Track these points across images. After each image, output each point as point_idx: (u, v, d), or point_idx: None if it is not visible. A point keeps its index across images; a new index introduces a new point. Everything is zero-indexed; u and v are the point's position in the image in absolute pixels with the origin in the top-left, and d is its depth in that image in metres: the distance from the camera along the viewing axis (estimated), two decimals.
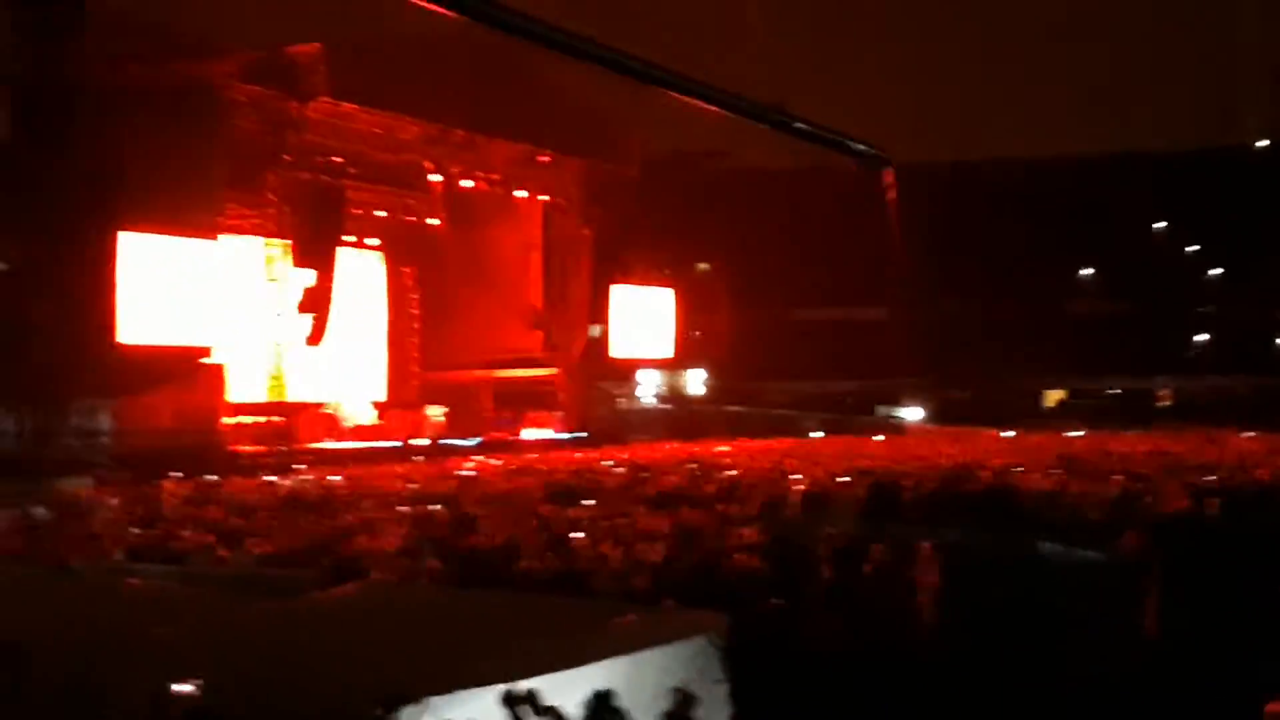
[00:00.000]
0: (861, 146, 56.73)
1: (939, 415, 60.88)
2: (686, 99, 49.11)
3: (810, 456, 32.57)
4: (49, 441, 31.80)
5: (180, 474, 27.57)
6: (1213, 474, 24.14)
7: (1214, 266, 73.19)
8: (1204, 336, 71.35)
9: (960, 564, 15.10)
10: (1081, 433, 46.89)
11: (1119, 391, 67.66)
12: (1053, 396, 69.04)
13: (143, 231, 34.36)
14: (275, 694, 7.20)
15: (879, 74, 71.54)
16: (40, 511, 21.30)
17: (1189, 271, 72.51)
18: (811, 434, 47.59)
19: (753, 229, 64.66)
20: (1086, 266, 73.42)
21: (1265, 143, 78.28)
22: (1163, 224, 73.89)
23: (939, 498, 21.64)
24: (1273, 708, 7.44)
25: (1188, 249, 73.47)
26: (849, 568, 14.97)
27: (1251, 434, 39.74)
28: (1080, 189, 68.11)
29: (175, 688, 6.37)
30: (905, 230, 58.00)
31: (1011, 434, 45.67)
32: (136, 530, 19.15)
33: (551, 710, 8.73)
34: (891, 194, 57.30)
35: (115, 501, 23.90)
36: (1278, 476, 24.35)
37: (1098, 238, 70.00)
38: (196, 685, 6.43)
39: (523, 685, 8.45)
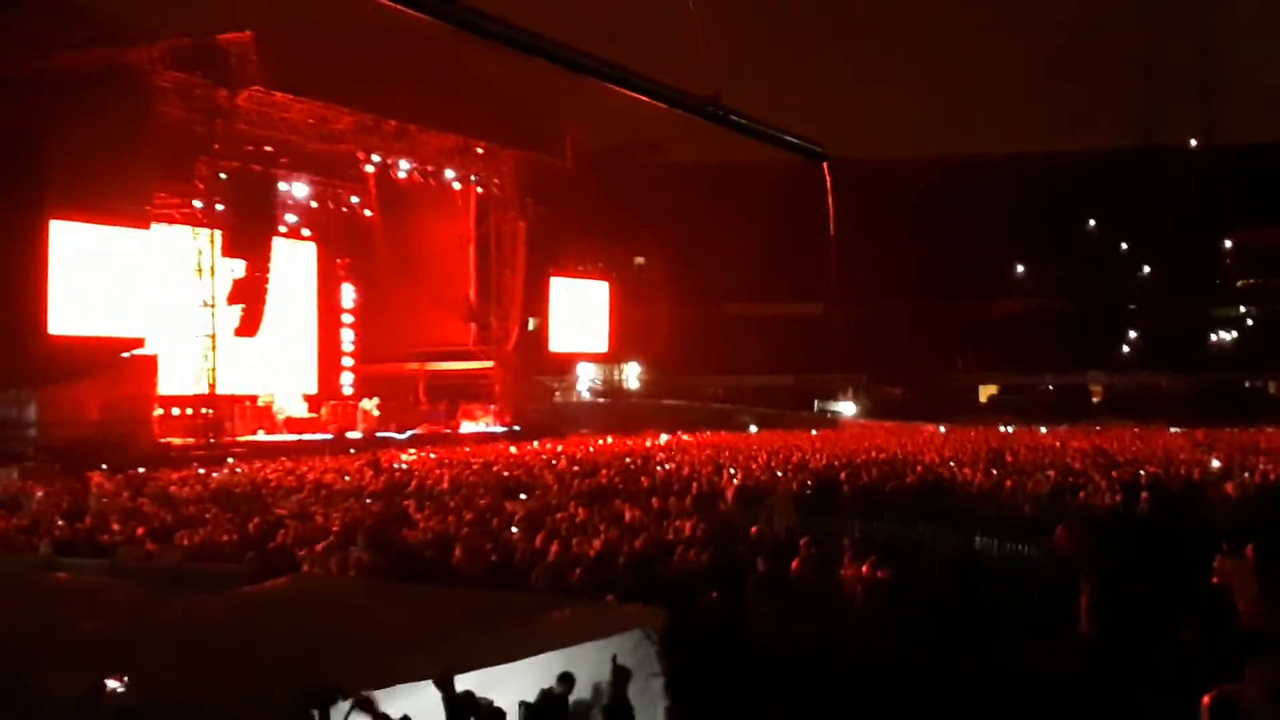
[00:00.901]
0: (798, 140, 56.83)
1: (875, 410, 61.27)
2: (622, 91, 48.97)
3: (747, 451, 32.65)
4: None
5: (109, 466, 27.19)
6: (1142, 468, 24.45)
7: (1144, 264, 74.21)
8: (1134, 334, 72.33)
9: (896, 558, 15.15)
10: (1013, 428, 47.41)
11: (1051, 387, 68.42)
12: (986, 392, 69.74)
13: (71, 220, 33.84)
14: (206, 690, 7.04)
15: (815, 71, 71.80)
16: None
17: (1120, 269, 73.47)
18: (749, 428, 47.70)
19: (689, 223, 64.78)
20: (1020, 264, 74.19)
21: (1195, 143, 79.52)
22: (1094, 222, 74.84)
23: (874, 493, 21.74)
24: (1208, 700, 7.49)
25: (1120, 247, 74.46)
26: (786, 562, 14.97)
27: (1179, 430, 40.34)
28: (1014, 187, 68.85)
29: (105, 683, 6.21)
30: (841, 226, 58.25)
31: (945, 429, 46.06)
32: (64, 522, 18.83)
33: (492, 707, 8.66)
34: (828, 187, 57.51)
35: (42, 493, 23.52)
36: (1205, 471, 24.72)
37: (1031, 236, 70.75)
38: (124, 682, 6.28)
39: (460, 681, 8.37)
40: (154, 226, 36.53)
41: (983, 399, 69.26)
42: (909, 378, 66.16)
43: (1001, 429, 46.17)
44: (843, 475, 24.33)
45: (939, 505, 20.40)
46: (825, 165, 47.11)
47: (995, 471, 24.32)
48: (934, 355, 67.20)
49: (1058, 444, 33.38)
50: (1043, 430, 43.09)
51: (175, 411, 39.02)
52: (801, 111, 56.12)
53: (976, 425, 49.22)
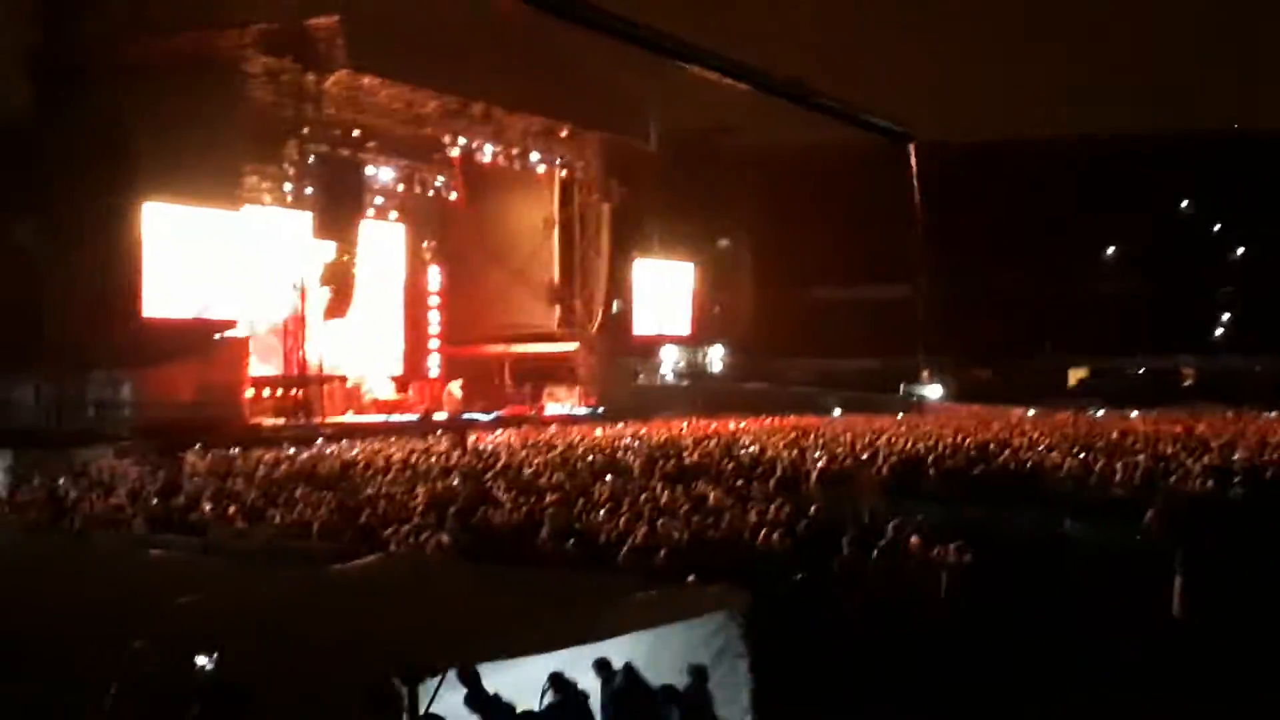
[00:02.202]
0: (882, 122, 56.38)
1: (961, 393, 60.60)
2: (706, 74, 48.84)
3: (831, 434, 32.47)
4: (72, 413, 31.88)
5: (201, 446, 27.64)
6: (1236, 454, 23.98)
7: (1238, 246, 72.70)
8: (1227, 317, 70.91)
9: (984, 543, 15.00)
10: (1103, 412, 46.71)
11: (1142, 371, 67.24)
12: (1075, 375, 68.68)
13: (164, 201, 34.43)
14: (295, 666, 7.15)
15: (900, 52, 70.99)
16: (64, 482, 21.41)
17: (1213, 251, 72.04)
18: (833, 411, 47.43)
19: (773, 206, 64.38)
20: (1111, 245, 72.98)
21: None
22: (1187, 203, 73.45)
23: (961, 476, 21.54)
24: None
25: (1213, 228, 73.01)
26: (870, 545, 14.88)
27: (1274, 414, 39.50)
28: (1106, 168, 67.68)
29: (196, 659, 6.33)
30: (929, 209, 57.70)
31: (1033, 412, 45.47)
32: (157, 501, 19.20)
33: (574, 687, 8.72)
34: (913, 169, 56.96)
35: (137, 472, 23.99)
36: None
37: (1122, 217, 69.57)
38: (214, 658, 6.39)
39: (544, 660, 8.43)
40: (244, 209, 37.03)
41: (1071, 382, 68.22)
42: (996, 361, 65.38)
43: (1090, 412, 45.49)
44: (928, 459, 24.14)
45: (1027, 489, 20.19)
46: (911, 146, 46.38)
47: (1084, 455, 23.97)
48: (1021, 338, 66.37)
49: (1148, 428, 32.79)
50: (1133, 414, 42.36)
51: (266, 393, 39.58)
52: (886, 93, 55.59)
53: (1065, 409, 48.54)
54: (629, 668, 8.89)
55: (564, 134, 47.56)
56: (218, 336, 37.09)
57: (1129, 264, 71.47)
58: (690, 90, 51.43)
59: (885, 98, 55.68)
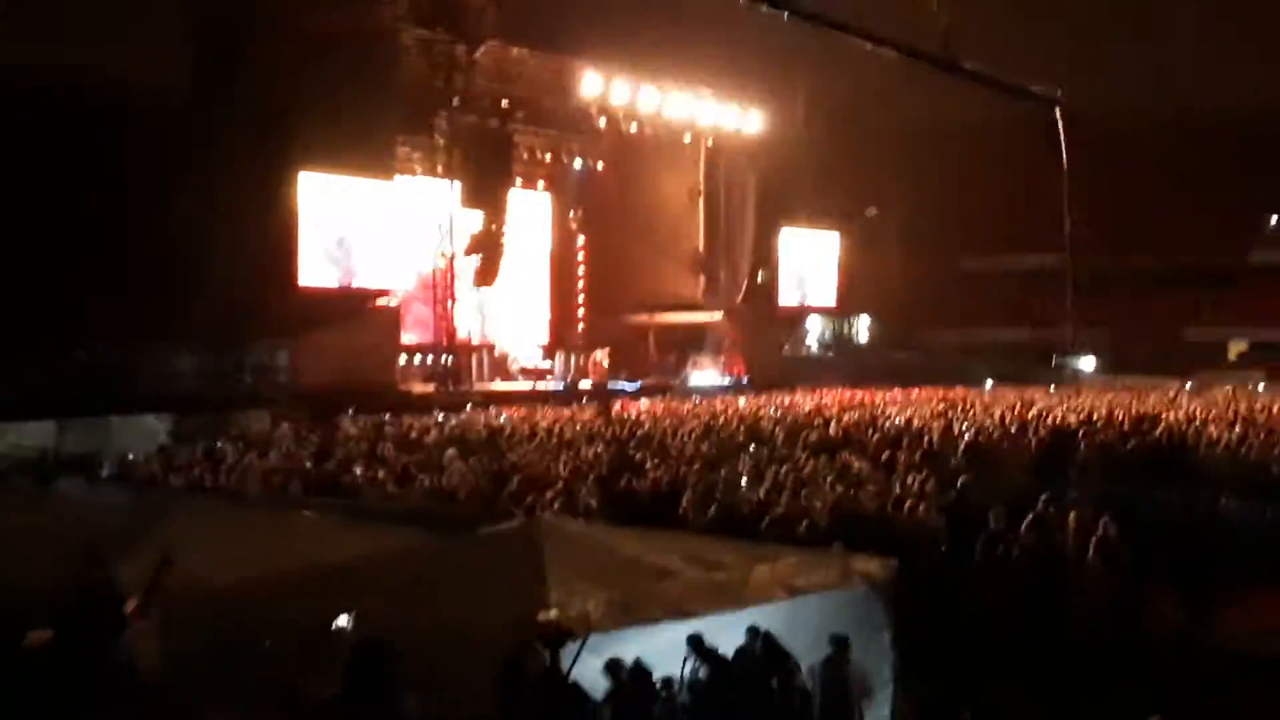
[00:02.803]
0: (1032, 86, 55.05)
1: (1116, 366, 59.08)
2: (855, 41, 48.22)
3: (981, 406, 31.98)
4: (230, 379, 32.78)
5: (353, 412, 28.23)
6: None
7: None
8: None
9: (1135, 520, 14.66)
10: (1264, 385, 45.23)
11: None
12: (1235, 349, 66.43)
13: (319, 171, 35.19)
14: (442, 625, 7.28)
15: (1052, 22, 68.88)
16: (222, 445, 22.07)
17: None
18: (983, 383, 46.64)
19: (922, 175, 63.35)
20: (1273, 214, 70.38)
21: None
22: None
23: (1114, 451, 21.05)
24: None
25: None
26: (1018, 519, 14.63)
27: None
28: (1264, 135, 65.15)
29: (340, 618, 6.48)
30: (1081, 178, 56.27)
31: (1191, 385, 44.21)
32: (311, 464, 19.68)
33: (715, 652, 8.74)
34: (1060, 135, 55.49)
35: (292, 436, 24.62)
36: None
37: None
38: (353, 616, 6.53)
39: (687, 625, 8.46)
40: (396, 179, 37.68)
41: (1231, 356, 65.99)
42: (1153, 333, 63.58)
43: (1250, 386, 44.08)
44: (1080, 432, 23.63)
45: (1182, 465, 19.67)
46: (1059, 111, 45.12)
47: (1242, 431, 23.23)
48: (1179, 310, 64.46)
49: None
50: None
51: (416, 360, 40.30)
52: (1037, 64, 54.06)
53: (1225, 382, 47.10)
54: (768, 635, 8.89)
55: (712, 104, 47.35)
56: (371, 305, 37.81)
57: None
58: (838, 59, 50.76)
59: (1037, 69, 53.93)
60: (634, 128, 45.77)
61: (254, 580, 8.44)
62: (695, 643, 8.56)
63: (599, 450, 21.27)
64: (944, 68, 50.73)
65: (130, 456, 21.09)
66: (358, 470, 18.52)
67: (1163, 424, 24.99)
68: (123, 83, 31.58)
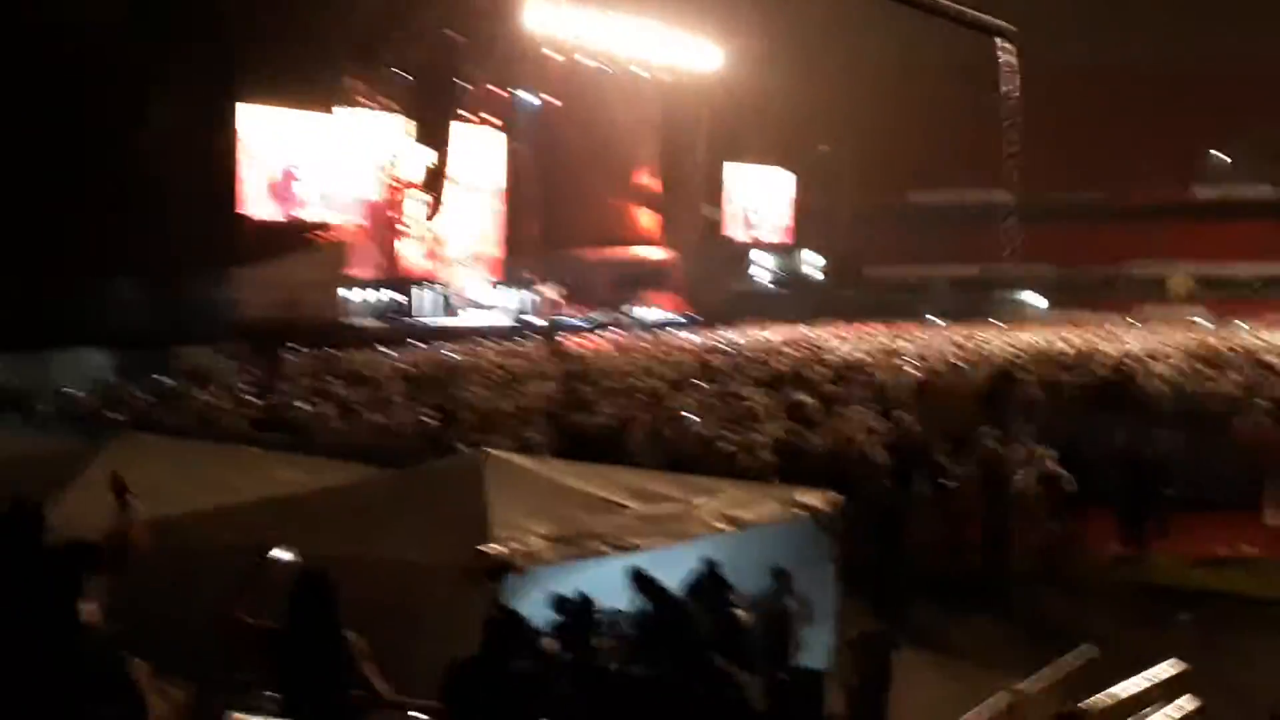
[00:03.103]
0: (983, 17, 54.98)
1: (1063, 301, 59.55)
2: None
3: (927, 343, 32.21)
4: (172, 314, 32.42)
5: (299, 346, 28.03)
6: None
7: None
8: None
9: (1076, 454, 14.88)
10: (1202, 319, 45.87)
11: (1255, 279, 65.15)
12: (1179, 284, 66.92)
13: (259, 104, 34.75)
14: (385, 561, 7.30)
15: None
16: (165, 383, 21.86)
17: None
18: (931, 319, 46.96)
19: (873, 112, 63.20)
20: (1216, 149, 70.67)
21: None
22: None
23: (1058, 386, 21.27)
24: None
25: None
26: (963, 455, 14.82)
27: None
28: (1210, 73, 65.33)
29: (278, 552, 6.46)
30: (1032, 115, 56.38)
31: (1137, 321, 44.75)
32: (257, 400, 19.56)
33: (657, 585, 8.79)
34: (1012, 68, 55.53)
35: (236, 372, 24.45)
36: None
37: (1227, 124, 67.36)
38: (291, 549, 6.51)
39: (629, 560, 8.50)
40: (341, 112, 37.24)
41: (1175, 290, 66.52)
42: (1097, 267, 64.01)
43: (1193, 319, 44.69)
44: (1024, 367, 23.87)
45: (1124, 398, 19.92)
46: (1006, 44, 44.99)
47: (1183, 364, 23.55)
48: (1124, 244, 64.87)
49: (1251, 338, 32.08)
50: (1237, 323, 41.48)
51: (362, 295, 40.01)
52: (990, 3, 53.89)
53: (1168, 316, 47.67)
54: (711, 565, 8.95)
55: (663, 39, 47.01)
56: (316, 238, 37.48)
57: (1237, 168, 69.35)
58: None
59: (988, 5, 53.83)
60: (586, 61, 45.38)
61: (197, 514, 8.41)
62: (635, 575, 8.61)
63: (548, 387, 21.27)
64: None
65: (68, 392, 20.85)
66: (301, 405, 18.41)
67: (1106, 358, 25.28)
68: (57, 11, 30.92)
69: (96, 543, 6.48)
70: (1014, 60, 55.45)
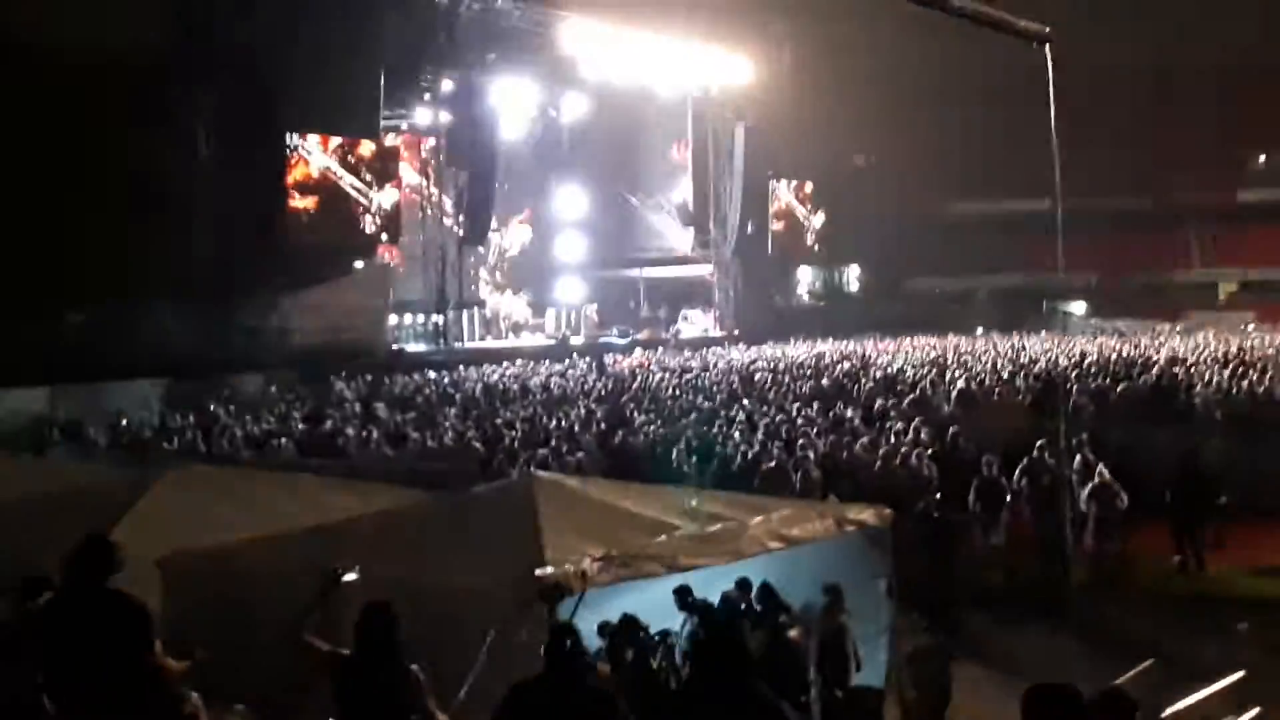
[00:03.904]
0: (1020, 24, 54.80)
1: (1107, 309, 59.11)
2: None
3: (972, 353, 32.07)
4: (223, 341, 32.65)
5: (346, 372, 28.22)
6: None
7: None
8: None
9: (1128, 465, 14.76)
10: (1254, 326, 45.39)
11: None
12: (1225, 289, 66.33)
13: (306, 133, 35.07)
14: (439, 588, 7.31)
15: None
16: (215, 408, 22.08)
17: None
18: (974, 330, 46.73)
19: (910, 121, 62.99)
20: (1261, 154, 70.09)
21: None
22: None
23: (1106, 396, 21.12)
24: None
25: None
26: (1012, 465, 14.73)
27: None
28: (1252, 78, 64.76)
29: (350, 576, 6.50)
30: (1073, 121, 56.09)
31: (1181, 327, 44.37)
32: (304, 425, 19.71)
33: (704, 604, 8.80)
34: (1049, 76, 55.33)
35: (285, 397, 24.64)
36: None
37: (1273, 124, 66.74)
38: (356, 571, 6.55)
39: (682, 580, 8.49)
40: (386, 138, 37.55)
41: (1221, 296, 65.96)
42: (1143, 275, 63.52)
43: (1242, 327, 44.22)
44: (1072, 375, 23.72)
45: (1173, 407, 19.76)
46: (1048, 51, 44.94)
47: (1232, 371, 23.34)
48: (1169, 251, 64.37)
49: None
50: None
51: (408, 318, 40.20)
52: (1026, 6, 53.60)
53: (1215, 323, 47.23)
54: (765, 586, 8.95)
55: (698, 55, 47.04)
56: (359, 263, 37.69)
57: (1274, 173, 68.65)
58: (822, 6, 50.44)
59: (1024, 8, 53.45)
60: (621, 79, 45.48)
61: (254, 543, 8.47)
62: (681, 594, 8.62)
63: (592, 406, 21.33)
64: (926, 4, 50.36)
65: (124, 423, 21.08)
66: (350, 431, 18.54)
67: (1154, 367, 25.10)
68: (111, 46, 31.30)
69: None
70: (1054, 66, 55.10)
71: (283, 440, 18.28)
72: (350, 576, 6.55)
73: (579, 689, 5.80)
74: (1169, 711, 7.41)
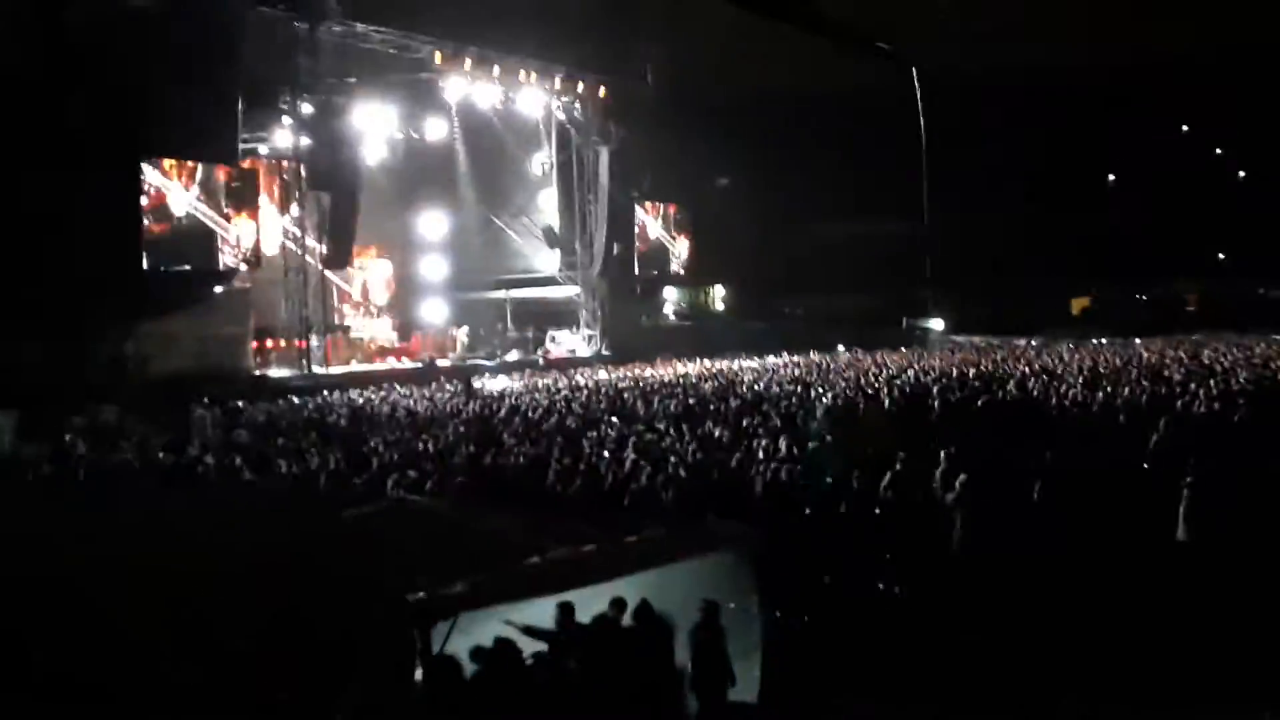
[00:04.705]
0: (885, 46, 55.92)
1: (965, 326, 60.52)
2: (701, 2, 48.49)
3: (836, 370, 32.53)
4: (79, 370, 31.82)
5: (208, 399, 27.68)
6: (1240, 376, 24.01)
7: (1240, 169, 72.24)
8: (1227, 242, 70.36)
9: (990, 475, 15.05)
10: (1106, 340, 46.73)
11: (1145, 299, 66.90)
12: (1078, 305, 68.39)
13: (163, 157, 34.36)
14: (312, 610, 7.22)
15: None
16: (70, 440, 21.47)
17: (1215, 175, 71.40)
18: (837, 348, 47.43)
19: (773, 144, 63.83)
20: (1111, 174, 72.45)
21: None
22: (1186, 128, 72.74)
23: (967, 409, 21.55)
24: None
25: (1214, 151, 72.47)
26: (878, 480, 14.93)
27: None
28: (1104, 95, 66.91)
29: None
30: (927, 141, 57.30)
31: (1037, 343, 45.54)
32: (165, 454, 19.26)
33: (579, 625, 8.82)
34: (915, 97, 56.52)
35: (144, 427, 24.06)
36: None
37: (1122, 144, 69.01)
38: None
39: (556, 602, 8.49)
40: (243, 163, 36.93)
41: (1075, 311, 67.96)
42: (1000, 292, 65.14)
43: (1094, 341, 45.54)
44: (934, 391, 24.19)
45: (1033, 420, 20.23)
46: (914, 73, 45.93)
47: (1089, 384, 24.01)
48: (1024, 269, 66.10)
49: (1153, 356, 32.82)
50: (1137, 341, 42.43)
51: (270, 344, 39.56)
52: (887, 20, 54.73)
53: (1068, 339, 48.57)
54: (644, 604, 8.97)
55: (560, 77, 47.19)
56: (221, 289, 36.99)
57: (1130, 192, 71.01)
58: (685, 26, 50.93)
59: (885, 26, 54.75)
60: (483, 103, 45.38)
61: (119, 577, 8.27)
62: (563, 608, 8.64)
63: (462, 429, 21.20)
64: (794, 21, 51.07)
65: None
66: (210, 460, 18.15)
67: (1012, 381, 25.71)
68: None
69: None
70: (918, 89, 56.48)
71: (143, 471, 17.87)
72: None
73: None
74: None
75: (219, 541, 9.01)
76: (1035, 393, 23.24)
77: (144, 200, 34.09)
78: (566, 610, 8.58)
